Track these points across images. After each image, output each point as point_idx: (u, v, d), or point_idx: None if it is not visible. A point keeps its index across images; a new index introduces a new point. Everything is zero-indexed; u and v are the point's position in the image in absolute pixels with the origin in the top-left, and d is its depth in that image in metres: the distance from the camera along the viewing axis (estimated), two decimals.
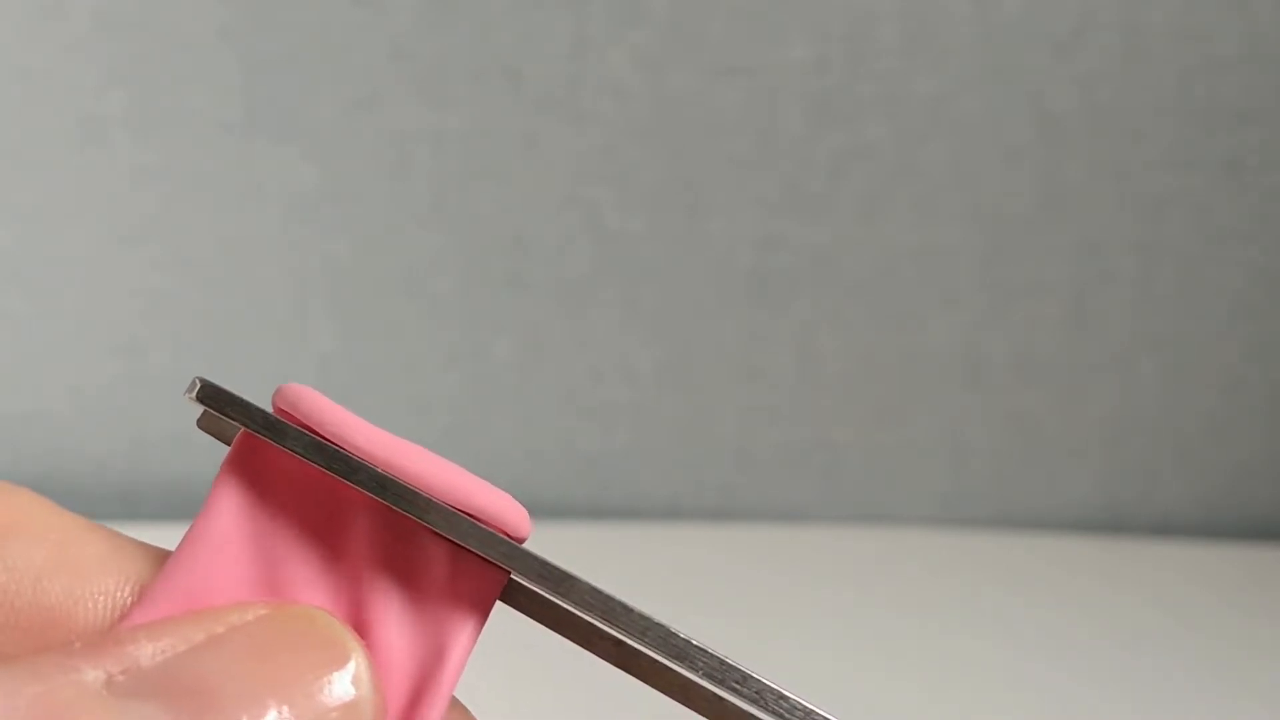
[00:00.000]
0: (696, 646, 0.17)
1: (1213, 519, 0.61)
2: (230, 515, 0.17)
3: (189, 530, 0.17)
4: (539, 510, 0.64)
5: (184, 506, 0.60)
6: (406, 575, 0.17)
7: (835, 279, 0.58)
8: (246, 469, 0.18)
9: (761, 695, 0.17)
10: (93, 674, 0.14)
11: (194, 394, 0.18)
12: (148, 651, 0.15)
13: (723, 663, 0.17)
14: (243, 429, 0.18)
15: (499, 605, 0.18)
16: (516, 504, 0.18)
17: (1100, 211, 0.57)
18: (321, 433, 0.17)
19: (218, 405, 0.18)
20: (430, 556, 0.17)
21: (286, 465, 0.18)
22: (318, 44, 0.54)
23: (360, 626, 0.17)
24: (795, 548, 0.59)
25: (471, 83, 0.55)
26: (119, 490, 0.60)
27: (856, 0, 0.54)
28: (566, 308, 0.58)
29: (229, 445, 0.18)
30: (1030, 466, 0.61)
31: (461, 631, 0.17)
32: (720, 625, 0.52)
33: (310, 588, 0.17)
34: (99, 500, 0.59)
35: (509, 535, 0.17)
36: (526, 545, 0.17)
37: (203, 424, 0.19)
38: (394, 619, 0.17)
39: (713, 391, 0.60)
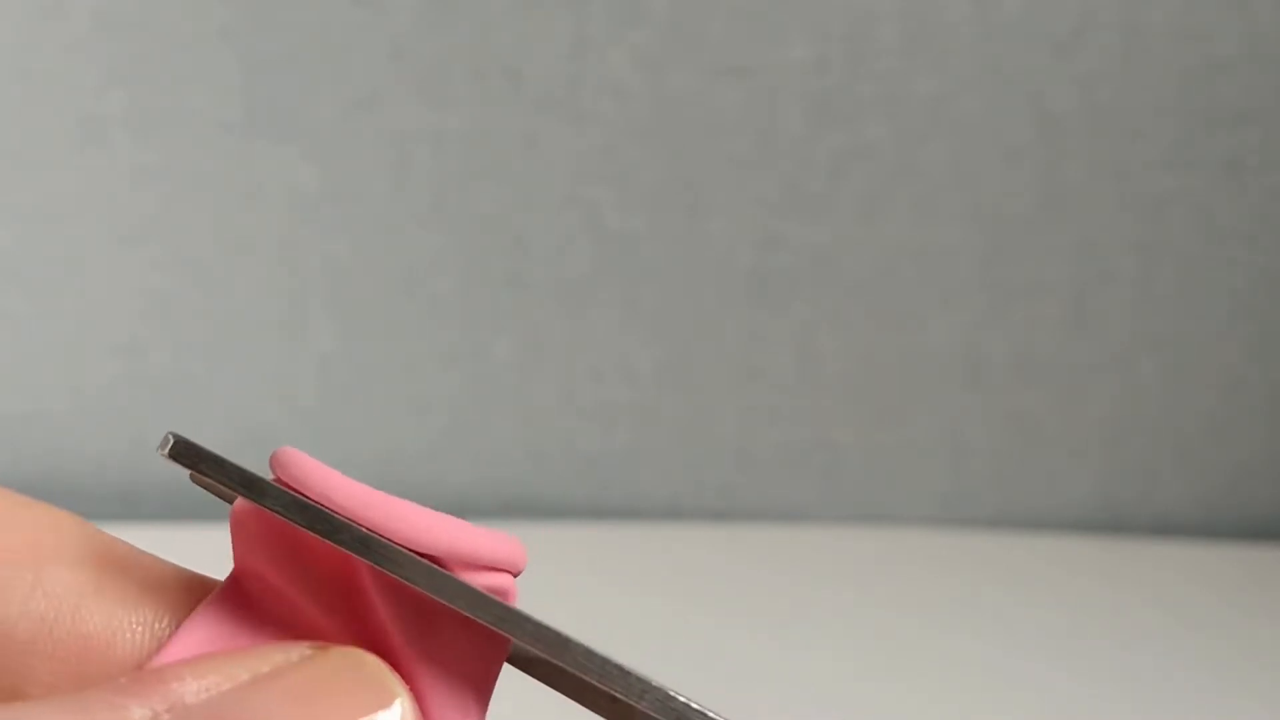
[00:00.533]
0: (696, 710, 0.16)
1: (1212, 519, 0.61)
2: (258, 563, 0.17)
3: (235, 567, 0.17)
4: (539, 510, 0.64)
5: (184, 507, 0.60)
6: (432, 627, 0.17)
7: (835, 279, 0.58)
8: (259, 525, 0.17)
9: None
10: (139, 712, 0.14)
11: (166, 450, 0.17)
12: (192, 689, 0.15)
13: None
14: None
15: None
16: (509, 541, 0.17)
17: (1100, 211, 0.57)
18: (306, 493, 0.17)
19: (191, 462, 0.17)
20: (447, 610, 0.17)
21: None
22: (318, 44, 0.54)
23: (401, 666, 0.17)
24: (795, 548, 0.58)
25: (471, 83, 0.55)
26: (119, 490, 0.60)
27: (856, 0, 0.54)
28: (566, 308, 0.58)
29: (225, 501, 0.18)
30: (1030, 466, 0.61)
31: (485, 682, 0.17)
32: (720, 625, 0.52)
33: (347, 633, 0.17)
34: (99, 500, 0.59)
35: (505, 569, 0.17)
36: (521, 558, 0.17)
37: (196, 479, 0.18)
38: (424, 670, 0.17)
39: (713, 391, 0.60)
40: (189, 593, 0.17)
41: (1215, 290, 0.58)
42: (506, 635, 0.17)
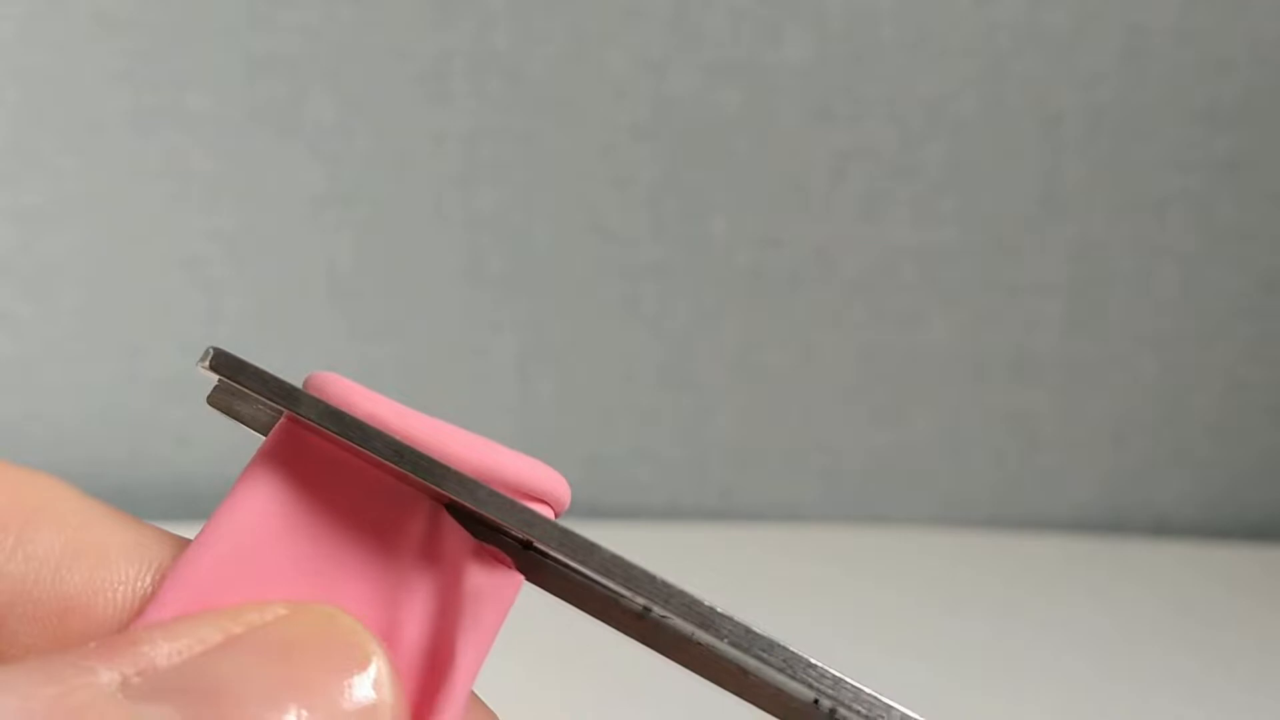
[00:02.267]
0: (721, 614, 0.16)
1: (1213, 519, 0.61)
2: (259, 509, 0.17)
3: (209, 522, 0.17)
4: None
5: (184, 507, 0.60)
6: (441, 576, 0.17)
7: (835, 279, 0.58)
8: (284, 461, 0.17)
9: (790, 664, 0.16)
10: (108, 675, 0.14)
11: (207, 362, 0.17)
12: (164, 652, 0.15)
13: (749, 630, 0.16)
14: (285, 415, 0.17)
15: (524, 605, 0.17)
16: (554, 474, 0.17)
17: (1100, 211, 0.57)
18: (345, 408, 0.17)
19: (231, 373, 0.17)
20: (465, 559, 0.17)
21: (330, 460, 0.17)
22: (320, 44, 0.55)
23: (392, 626, 0.17)
24: (795, 548, 0.58)
25: (471, 82, 0.55)
26: (119, 490, 0.60)
27: (857, 0, 0.54)
28: (567, 307, 0.58)
29: (241, 423, 0.18)
30: (1030, 466, 0.61)
31: (479, 629, 0.17)
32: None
33: (345, 584, 0.17)
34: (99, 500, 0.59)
35: (545, 501, 0.17)
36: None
37: (213, 400, 0.18)
38: (423, 619, 0.17)
39: (712, 391, 0.60)
40: (173, 552, 0.17)
41: (1215, 290, 0.58)
42: (524, 564, 0.17)
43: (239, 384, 0.17)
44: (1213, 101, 0.56)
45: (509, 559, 0.17)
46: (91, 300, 0.58)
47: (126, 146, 0.55)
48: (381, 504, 0.17)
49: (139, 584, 0.16)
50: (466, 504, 0.17)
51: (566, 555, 0.16)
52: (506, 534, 0.17)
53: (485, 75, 0.55)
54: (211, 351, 0.17)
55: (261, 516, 0.17)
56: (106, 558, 0.16)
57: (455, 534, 0.17)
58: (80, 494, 0.17)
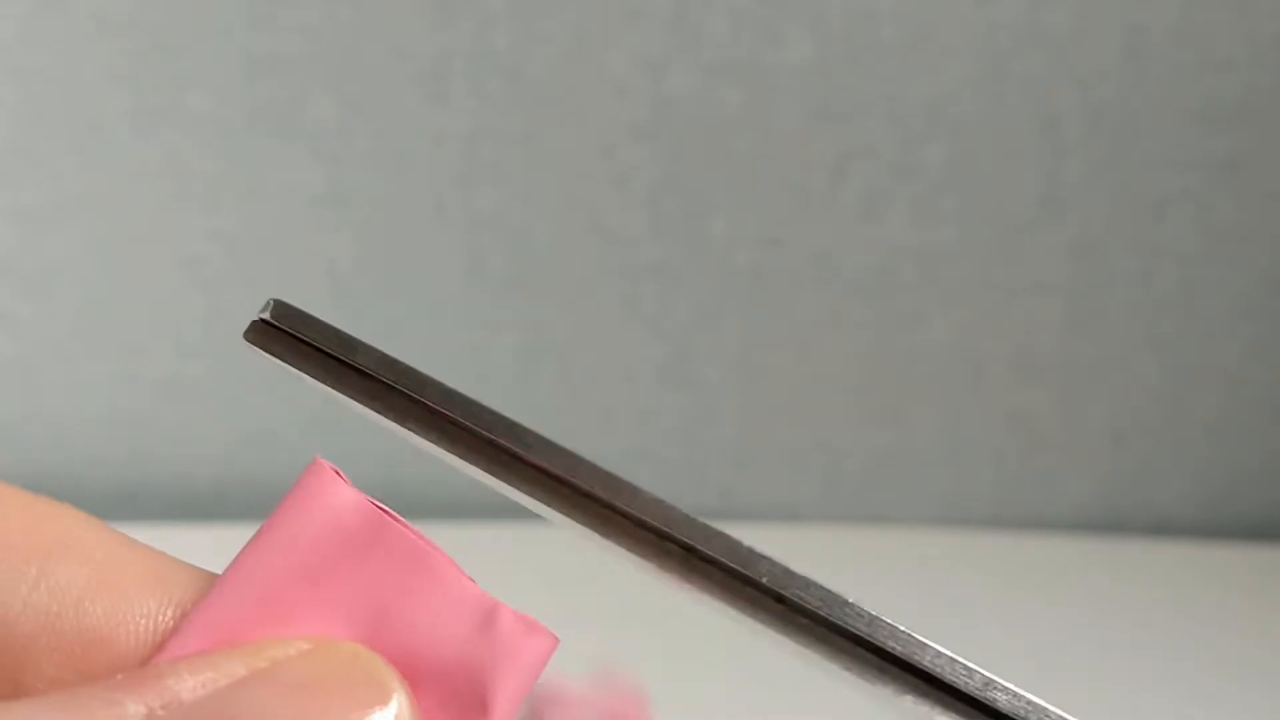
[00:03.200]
0: (759, 554, 0.17)
1: (1212, 519, 0.61)
2: (284, 549, 0.17)
3: (234, 560, 0.17)
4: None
5: (183, 507, 0.59)
6: (450, 627, 0.17)
7: (835, 279, 0.58)
8: (312, 504, 0.17)
9: (827, 603, 0.17)
10: (134, 707, 0.14)
11: (268, 313, 0.18)
12: (188, 685, 0.15)
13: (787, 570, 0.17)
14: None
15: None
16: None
17: (1100, 211, 0.57)
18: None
19: (292, 324, 0.18)
20: (502, 615, 0.17)
21: (346, 506, 0.17)
22: (320, 44, 0.55)
23: (417, 670, 0.17)
24: (795, 547, 0.58)
25: (471, 82, 0.55)
26: (118, 490, 0.60)
27: (857, 0, 0.54)
28: (567, 307, 0.58)
29: (278, 360, 0.18)
30: (1030, 466, 0.61)
31: (508, 686, 0.17)
32: (719, 622, 0.52)
33: (369, 628, 0.17)
34: (99, 500, 0.59)
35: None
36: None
37: (251, 337, 0.18)
38: (452, 668, 0.17)
39: (712, 391, 0.60)
40: (194, 585, 0.17)
41: (1215, 290, 0.58)
42: (555, 637, 0.17)
43: (297, 335, 0.18)
44: (1213, 102, 0.56)
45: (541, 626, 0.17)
46: (92, 300, 0.58)
47: (127, 147, 0.55)
48: (409, 556, 0.17)
49: (160, 617, 0.16)
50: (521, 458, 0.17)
51: (554, 466, 0.17)
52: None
53: (485, 75, 0.55)
54: (272, 303, 0.18)
55: (286, 556, 0.17)
56: (128, 591, 0.17)
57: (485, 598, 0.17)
58: (101, 525, 0.17)
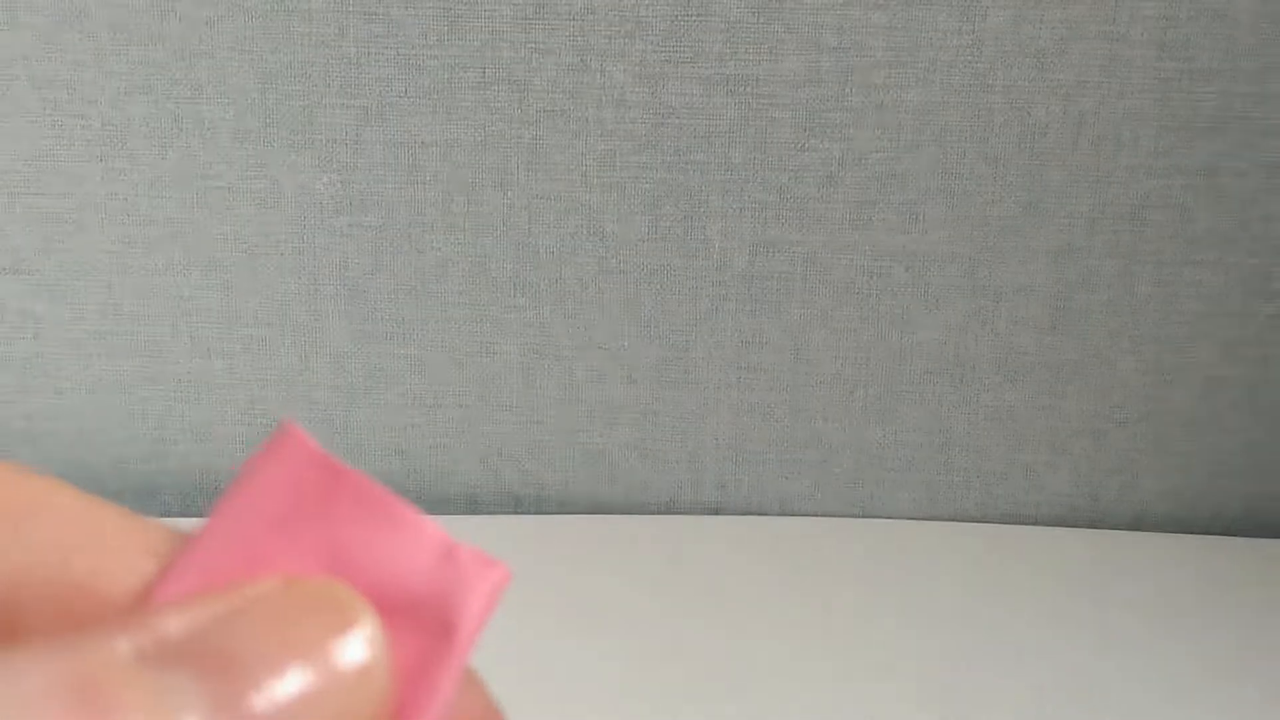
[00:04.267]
0: None
1: (1190, 514, 0.61)
2: (258, 500, 0.18)
3: (212, 513, 0.18)
4: (543, 504, 0.63)
5: (205, 503, 0.60)
6: (412, 561, 0.18)
7: (827, 282, 0.58)
8: (282, 458, 0.18)
9: None
10: (125, 647, 0.15)
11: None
12: (175, 625, 0.16)
13: None
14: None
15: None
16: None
17: (1081, 217, 0.57)
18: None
19: None
20: (432, 548, 0.18)
21: (312, 461, 0.18)
22: (332, 56, 0.55)
23: (383, 600, 0.17)
24: (789, 541, 0.58)
25: (479, 93, 0.55)
26: (140, 487, 0.61)
27: (848, 14, 0.54)
28: (569, 309, 0.58)
29: None
30: (1013, 462, 0.60)
31: (468, 612, 0.18)
32: (716, 615, 0.53)
33: (321, 569, 0.18)
34: (116, 497, 0.59)
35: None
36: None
37: None
38: (403, 599, 0.18)
39: (710, 390, 0.60)
40: (170, 541, 0.18)
41: (1192, 292, 0.58)
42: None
43: None
44: (1191, 111, 0.55)
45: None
46: (112, 302, 0.58)
47: (146, 154, 0.56)
48: (370, 502, 0.18)
49: (142, 569, 0.17)
50: None
51: None
52: None
53: (492, 87, 0.55)
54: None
55: (259, 508, 0.18)
56: (108, 544, 0.17)
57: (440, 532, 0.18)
58: (76, 489, 0.18)
